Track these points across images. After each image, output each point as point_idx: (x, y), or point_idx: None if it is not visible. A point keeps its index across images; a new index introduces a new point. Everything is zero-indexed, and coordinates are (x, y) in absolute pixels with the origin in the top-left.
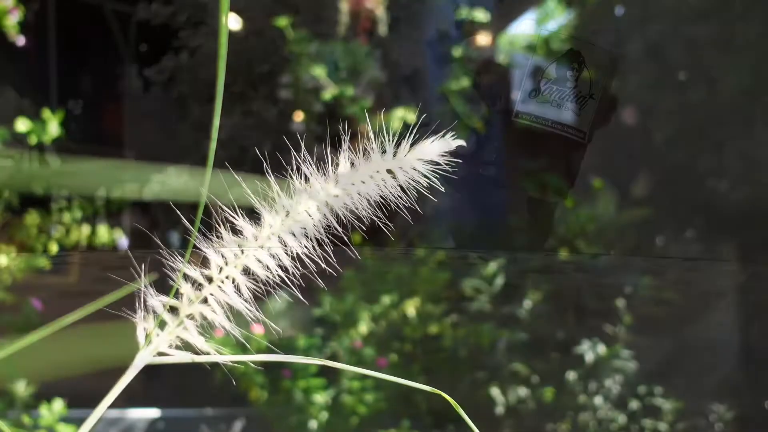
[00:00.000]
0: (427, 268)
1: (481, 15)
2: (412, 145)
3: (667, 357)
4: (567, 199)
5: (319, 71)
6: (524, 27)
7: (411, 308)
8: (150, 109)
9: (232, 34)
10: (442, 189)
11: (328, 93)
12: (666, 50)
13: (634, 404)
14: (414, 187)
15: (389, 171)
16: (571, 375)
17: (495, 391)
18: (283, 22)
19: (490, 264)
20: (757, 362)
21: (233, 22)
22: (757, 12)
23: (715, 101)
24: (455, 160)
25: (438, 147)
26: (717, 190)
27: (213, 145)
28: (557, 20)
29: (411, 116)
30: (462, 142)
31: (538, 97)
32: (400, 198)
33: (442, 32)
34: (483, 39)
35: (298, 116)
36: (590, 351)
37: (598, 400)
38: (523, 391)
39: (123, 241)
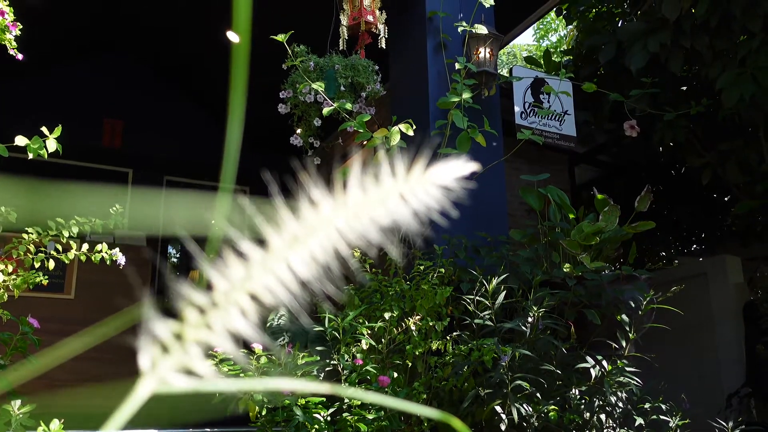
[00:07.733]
0: (429, 283)
1: (481, 29)
2: (425, 168)
3: (672, 372)
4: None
5: (319, 85)
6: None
7: (412, 324)
8: None
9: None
10: (454, 214)
11: (328, 107)
12: (667, 62)
13: (639, 420)
14: (426, 212)
15: (401, 196)
16: (576, 391)
17: (498, 408)
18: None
19: (493, 279)
20: (764, 377)
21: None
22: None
23: (717, 113)
24: (468, 184)
25: (452, 171)
26: (721, 202)
27: (229, 165)
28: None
29: (411, 130)
30: (476, 167)
31: (540, 110)
32: (411, 224)
33: (443, 46)
34: (483, 53)
35: (298, 130)
36: (595, 366)
37: (602, 416)
38: (526, 408)
39: (122, 257)
